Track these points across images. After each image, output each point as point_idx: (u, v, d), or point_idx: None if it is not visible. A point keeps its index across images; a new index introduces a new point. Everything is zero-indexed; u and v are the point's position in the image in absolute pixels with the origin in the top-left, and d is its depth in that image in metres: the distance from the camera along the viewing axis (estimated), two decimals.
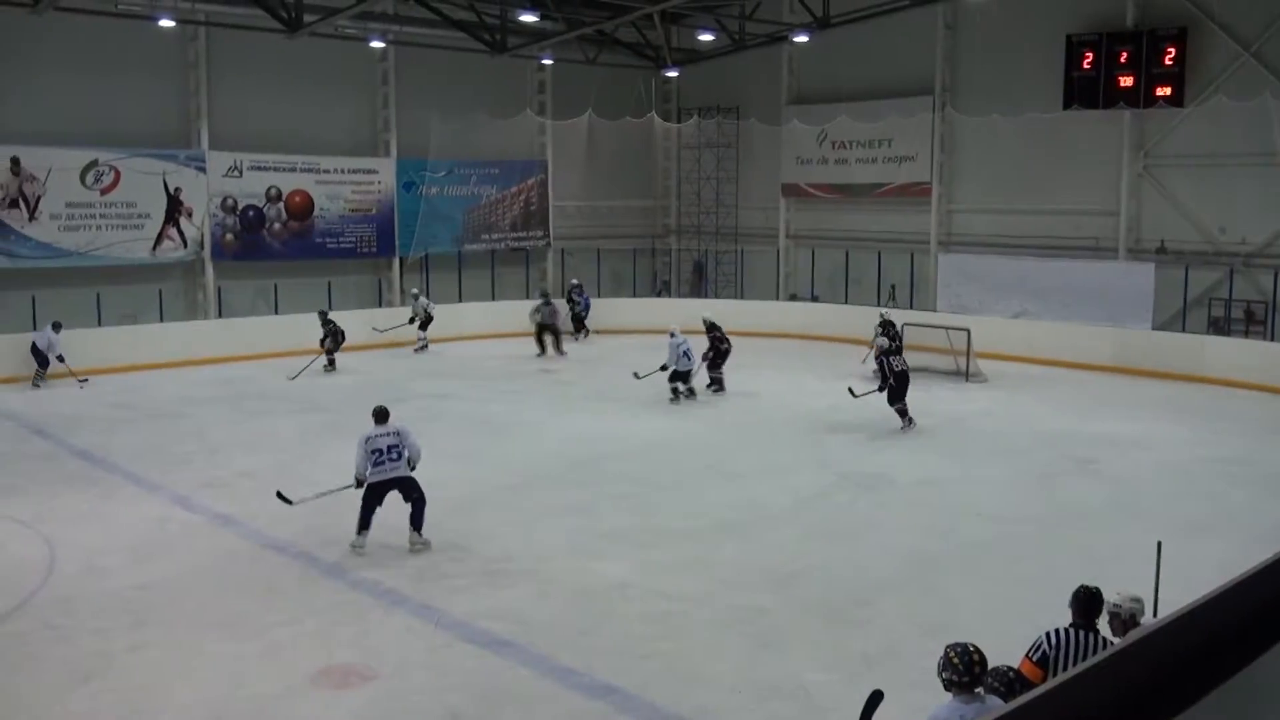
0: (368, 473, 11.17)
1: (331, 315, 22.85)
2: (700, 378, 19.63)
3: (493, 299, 28.42)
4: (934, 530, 12.16)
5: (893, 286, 27.35)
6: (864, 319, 22.17)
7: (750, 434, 17.08)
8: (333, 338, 22.50)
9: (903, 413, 16.85)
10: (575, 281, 27.63)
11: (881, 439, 16.64)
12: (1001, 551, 11.49)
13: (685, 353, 18.91)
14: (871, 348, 20.45)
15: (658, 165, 32.99)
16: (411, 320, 24.96)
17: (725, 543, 11.70)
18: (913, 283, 26.99)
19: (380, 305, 26.82)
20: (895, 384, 16.80)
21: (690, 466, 15.01)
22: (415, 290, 25.63)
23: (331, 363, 22.40)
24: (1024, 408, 19.15)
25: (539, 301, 25.23)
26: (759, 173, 30.50)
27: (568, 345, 25.06)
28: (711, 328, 20.21)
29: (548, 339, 24.62)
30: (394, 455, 11.18)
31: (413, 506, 11.26)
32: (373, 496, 11.21)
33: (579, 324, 26.78)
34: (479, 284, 28.53)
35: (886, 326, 21.15)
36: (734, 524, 12.32)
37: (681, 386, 19.10)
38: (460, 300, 27.94)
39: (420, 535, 11.27)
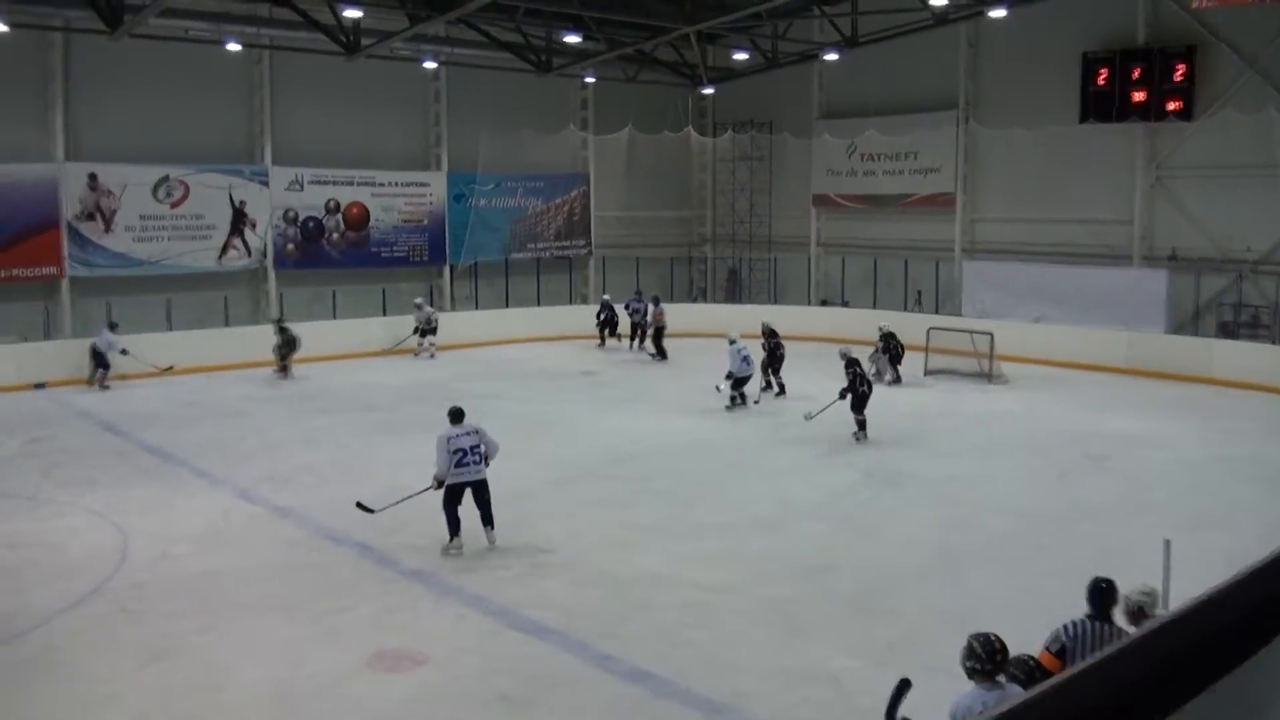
0: (449, 473, 10.88)
1: (286, 323, 22.19)
2: (755, 382, 19.17)
3: (538, 304, 28.52)
4: (957, 524, 12.10)
5: (919, 292, 27.21)
6: (893, 323, 22.06)
7: (782, 434, 17.03)
8: (289, 345, 21.73)
9: (862, 424, 16.17)
10: (636, 291, 26.96)
11: (907, 439, 16.57)
12: (1022, 545, 11.40)
13: (745, 358, 18.47)
14: (871, 360, 20.61)
15: (694, 177, 32.98)
16: (416, 330, 24.56)
17: (757, 536, 11.68)
18: (938, 288, 26.88)
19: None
20: (868, 391, 16.20)
21: (724, 464, 15.01)
22: (419, 299, 25.12)
23: (284, 369, 21.62)
24: (1044, 408, 19.02)
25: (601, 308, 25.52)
26: (791, 184, 30.49)
27: (631, 354, 24.87)
28: (771, 333, 20.05)
29: (617, 337, 25.16)
30: (476, 455, 10.85)
31: (482, 509, 11.00)
32: (453, 498, 10.90)
33: (639, 334, 25.26)
34: (525, 290, 28.65)
35: (887, 339, 21.10)
36: (765, 519, 12.31)
37: (740, 392, 18.59)
38: (507, 305, 28.11)
39: (493, 530, 11.10)
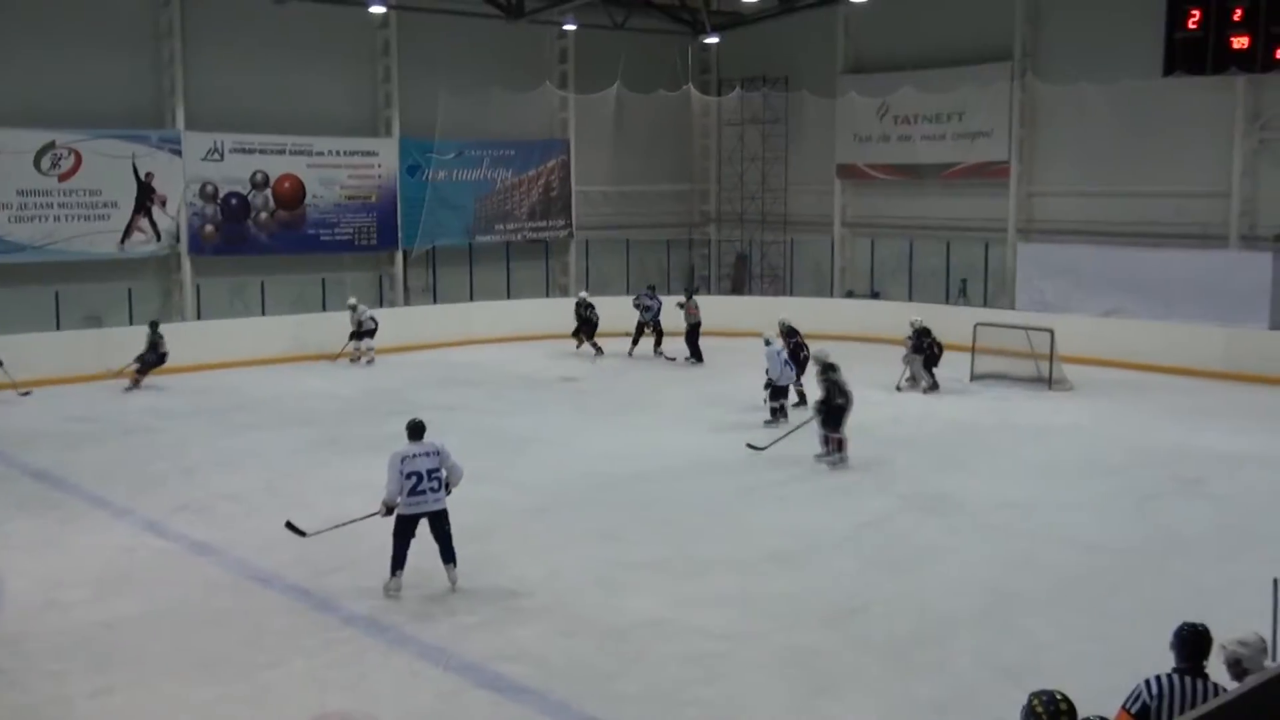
0: (401, 500, 10.88)
1: (163, 329, 22.10)
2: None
3: (507, 297, 28.52)
4: (1013, 560, 12.11)
5: (964, 281, 27.24)
6: (930, 318, 22.05)
7: (800, 451, 16.92)
8: (153, 351, 21.65)
9: (840, 443, 15.92)
10: (648, 285, 26.96)
11: (952, 457, 16.60)
12: (1092, 585, 11.42)
13: (787, 362, 18.45)
14: (905, 363, 21.07)
15: (695, 144, 33.02)
16: (354, 335, 24.27)
17: (774, 574, 11.70)
18: (987, 277, 26.96)
19: (381, 304, 26.89)
20: (844, 404, 16.02)
21: (733, 488, 15.02)
22: (352, 300, 24.72)
23: (136, 383, 21.58)
24: (1117, 419, 19.05)
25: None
26: (810, 152, 30.54)
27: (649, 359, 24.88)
28: (790, 333, 20.06)
29: (592, 343, 25.14)
30: (434, 483, 10.83)
31: (441, 543, 11.01)
32: (405, 530, 10.90)
33: (656, 336, 25.16)
34: (493, 280, 28.66)
35: (919, 336, 21.15)
36: (783, 553, 12.31)
37: (781, 404, 18.48)
38: (472, 299, 28.15)
39: (455, 568, 11.10)
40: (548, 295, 29.34)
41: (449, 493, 11.03)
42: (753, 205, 31.77)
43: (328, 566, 11.58)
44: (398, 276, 28.23)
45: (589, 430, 18.39)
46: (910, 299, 26.88)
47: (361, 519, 11.41)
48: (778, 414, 18.41)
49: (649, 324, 25.07)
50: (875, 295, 28.72)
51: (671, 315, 25.11)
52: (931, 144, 28.29)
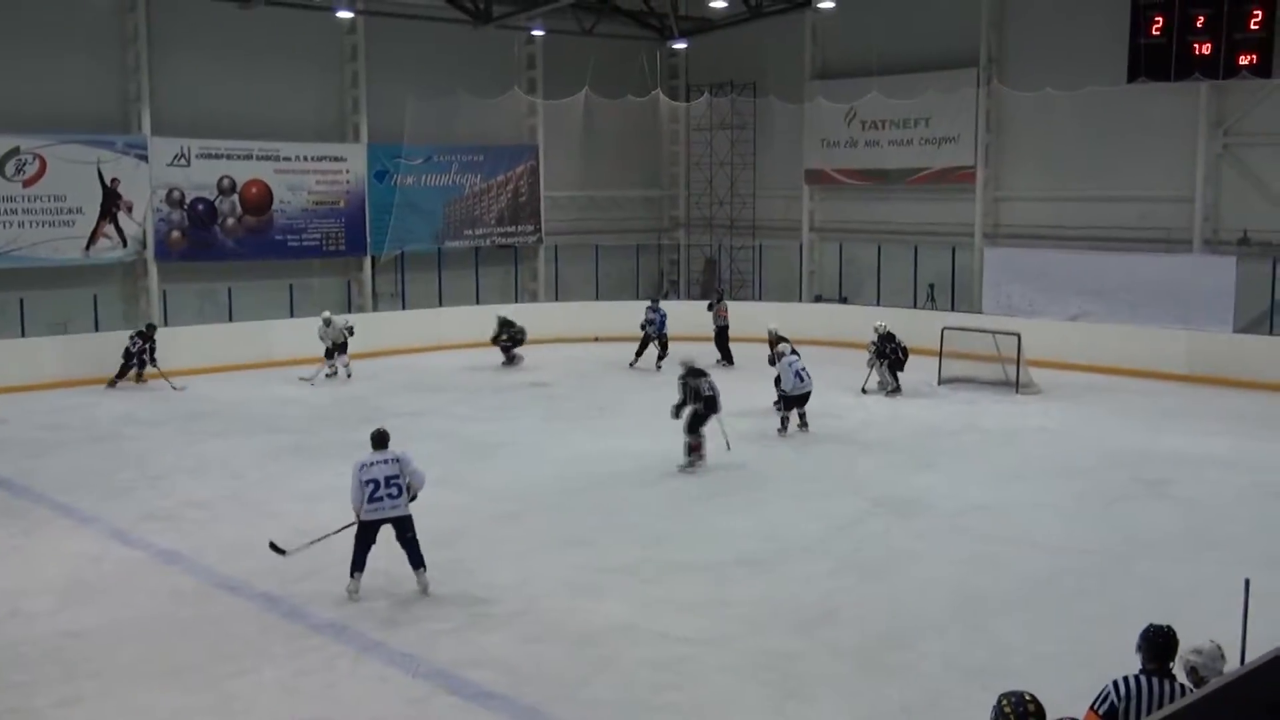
0: (362, 508, 11.00)
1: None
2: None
3: (476, 302, 28.45)
4: (982, 563, 12.17)
5: (931, 286, 27.36)
6: (898, 322, 22.18)
7: (772, 455, 17.13)
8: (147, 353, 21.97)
9: (696, 447, 16.06)
10: (651, 297, 26.58)
11: (922, 460, 16.69)
12: (1060, 587, 11.49)
13: (799, 372, 18.05)
14: (868, 362, 21.18)
15: (664, 150, 33.06)
16: (329, 353, 23.18)
17: (744, 578, 11.72)
18: (954, 281, 27.10)
19: (349, 310, 26.74)
20: (704, 409, 16.08)
21: (703, 493, 15.08)
22: (326, 314, 23.45)
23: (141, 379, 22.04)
24: (1084, 422, 19.19)
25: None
26: (779, 157, 30.67)
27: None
28: (778, 340, 19.97)
29: (510, 357, 24.78)
30: (393, 490, 10.95)
31: (407, 549, 11.10)
32: (366, 535, 11.02)
33: (660, 348, 24.36)
34: (462, 286, 28.61)
35: (884, 341, 21.27)
36: (754, 557, 12.34)
37: (801, 412, 18.25)
38: (440, 304, 28.07)
39: (425, 573, 11.17)
40: (516, 300, 29.25)
41: (413, 499, 11.11)
42: (722, 210, 31.83)
43: (296, 574, 11.51)
44: (366, 282, 28.11)
45: (559, 435, 18.38)
46: (879, 303, 26.94)
47: (338, 532, 11.36)
48: (787, 425, 18.22)
49: (654, 337, 24.44)
50: (844, 300, 28.83)
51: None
52: (899, 149, 28.36)
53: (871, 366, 21.32)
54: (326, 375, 22.99)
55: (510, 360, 24.75)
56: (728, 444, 16.41)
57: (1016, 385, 21.47)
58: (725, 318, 25.04)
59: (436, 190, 28.98)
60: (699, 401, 16.08)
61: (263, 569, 11.69)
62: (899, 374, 21.23)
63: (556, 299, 30.13)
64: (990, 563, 12.15)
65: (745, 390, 19.75)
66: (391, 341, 25.98)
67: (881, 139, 28.71)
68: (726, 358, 24.44)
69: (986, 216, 27.17)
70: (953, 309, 26.31)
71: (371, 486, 10.91)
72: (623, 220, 31.55)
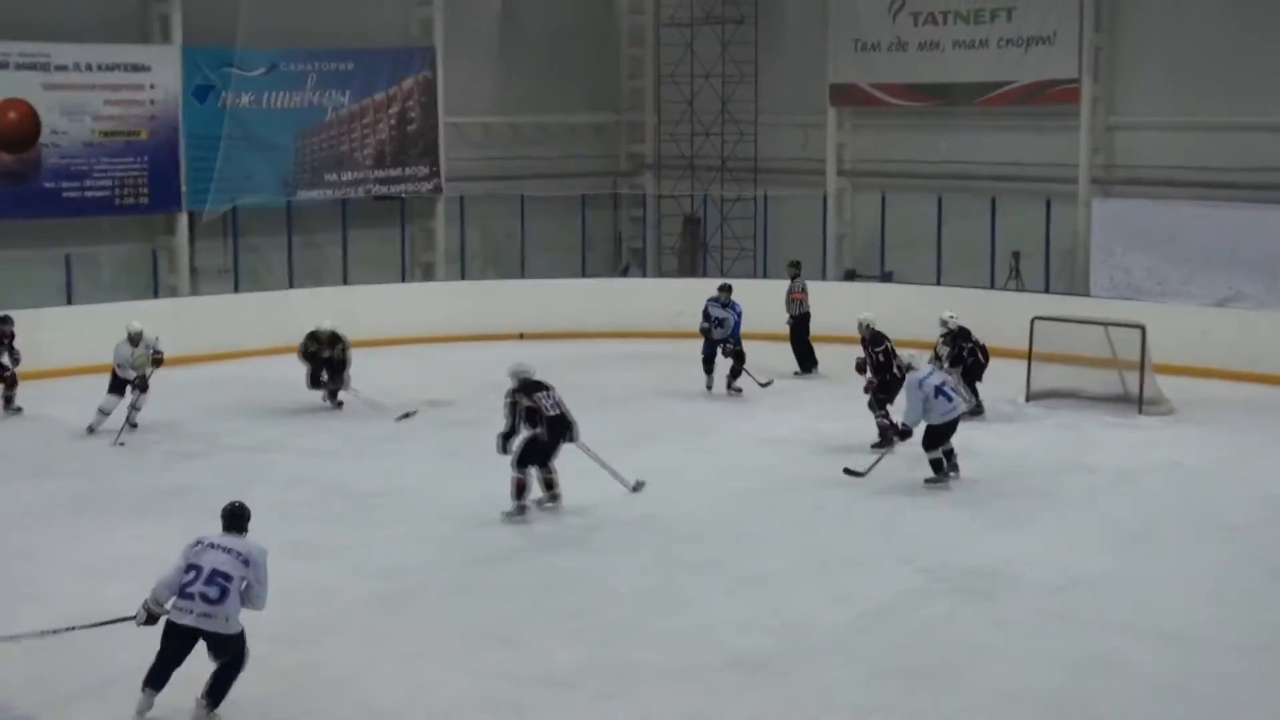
0: (169, 602, 10.58)
1: None
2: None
3: (344, 282, 28.37)
4: (1089, 665, 11.95)
5: (1015, 256, 27.48)
6: (967, 310, 22.07)
7: (781, 504, 17.10)
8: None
9: (521, 486, 16.45)
10: (722, 286, 25.20)
11: (1001, 514, 16.63)
12: (1201, 698, 11.30)
13: (940, 389, 17.79)
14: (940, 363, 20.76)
15: (622, 56, 33.19)
16: (134, 385, 21.14)
17: (738, 690, 11.51)
18: (1049, 249, 27.19)
19: (156, 293, 26.59)
20: (547, 437, 16.49)
21: (680, 560, 14.90)
22: (135, 325, 21.29)
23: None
24: (1237, 457, 19.22)
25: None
26: (792, 66, 31.07)
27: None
28: (876, 338, 20.06)
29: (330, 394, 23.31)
30: (217, 590, 10.47)
31: (217, 672, 10.66)
32: (176, 642, 10.58)
33: (734, 364, 23.73)
34: (322, 257, 28.62)
35: (954, 339, 21.17)
36: (753, 658, 12.14)
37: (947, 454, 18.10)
38: (291, 285, 27.98)
39: (212, 711, 10.76)
40: (405, 279, 29.21)
41: (237, 613, 10.64)
42: (708, 145, 31.95)
43: (70, 690, 11.48)
44: (180, 252, 27.90)
45: (464, 479, 17.96)
46: (938, 282, 27.06)
47: (109, 623, 11.11)
48: (943, 469, 17.97)
49: (724, 342, 23.49)
50: (887, 276, 28.83)
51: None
52: (968, 55, 28.66)
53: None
54: (132, 426, 21.29)
55: (335, 399, 22.73)
56: (630, 484, 16.91)
57: (1140, 402, 21.46)
58: (805, 303, 24.90)
59: (285, 115, 28.95)
60: (537, 426, 16.40)
61: (25, 680, 11.50)
62: (977, 385, 21.22)
63: (463, 276, 30.15)
64: (1101, 664, 11.93)
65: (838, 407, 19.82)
66: (219, 340, 25.66)
67: (943, 39, 28.94)
68: (805, 361, 24.43)
69: (1096, 154, 27.38)
70: (1047, 290, 26.45)
71: (191, 575, 10.52)
72: (561, 160, 31.59)
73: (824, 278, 29.26)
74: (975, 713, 11.18)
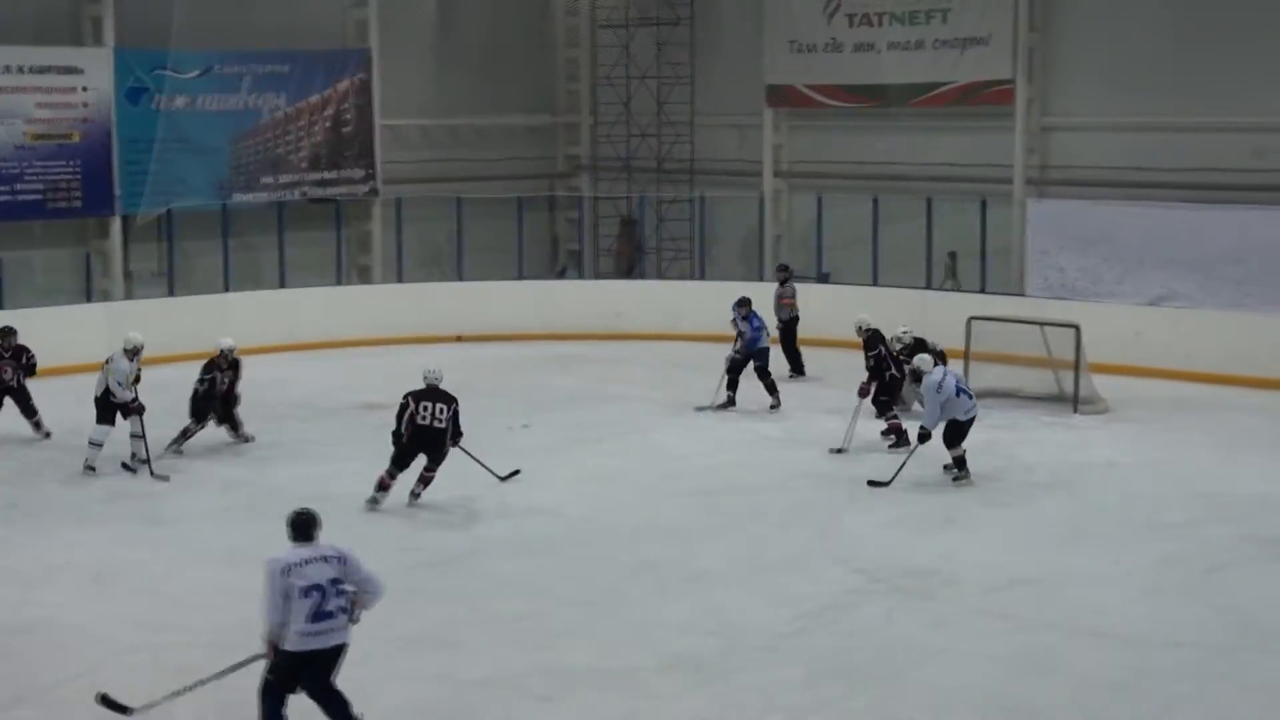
0: (290, 631, 9.97)
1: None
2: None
3: (280, 286, 28.31)
4: (1026, 663, 12.11)
5: (951, 256, 27.66)
6: (905, 312, 22.15)
7: (720, 506, 17.14)
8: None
9: (385, 485, 17.20)
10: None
11: (939, 513, 16.76)
12: (1139, 696, 11.45)
13: (960, 387, 17.85)
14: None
15: (558, 57, 33.13)
16: (131, 408, 19.90)
17: (678, 691, 11.61)
18: (985, 250, 27.18)
19: (89, 298, 26.40)
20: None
21: (619, 562, 15.01)
22: (137, 338, 20.68)
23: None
24: (1172, 456, 19.39)
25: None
26: (729, 68, 31.13)
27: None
28: (872, 340, 20.06)
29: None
30: (346, 599, 10.14)
31: (328, 702, 10.20)
32: (290, 677, 10.07)
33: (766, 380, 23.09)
34: (258, 261, 28.47)
35: (912, 352, 20.33)
36: (691, 659, 12.23)
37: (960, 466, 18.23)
38: (227, 289, 27.85)
39: None
40: (340, 282, 29.08)
41: (356, 620, 10.37)
42: (644, 147, 32.13)
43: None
44: (114, 256, 27.74)
45: (402, 483, 17.75)
46: (875, 282, 27.14)
47: (229, 671, 10.56)
48: (961, 468, 18.06)
49: (739, 355, 22.74)
50: (824, 277, 28.82)
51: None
52: (904, 56, 28.74)
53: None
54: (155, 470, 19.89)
55: (236, 431, 21.10)
56: (501, 475, 17.70)
57: (1075, 401, 21.64)
58: (795, 307, 24.74)
59: (220, 118, 28.83)
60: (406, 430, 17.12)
61: None
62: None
63: (400, 279, 30.06)
64: (1038, 662, 12.09)
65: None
66: (153, 344, 25.05)
67: (878, 39, 29.02)
68: (795, 366, 24.27)
69: (1031, 154, 27.56)
70: (983, 290, 26.62)
71: (316, 597, 10.03)
72: (497, 163, 31.52)
73: (760, 279, 29.12)
74: (915, 712, 11.31)
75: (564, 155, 33.58)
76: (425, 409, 17.03)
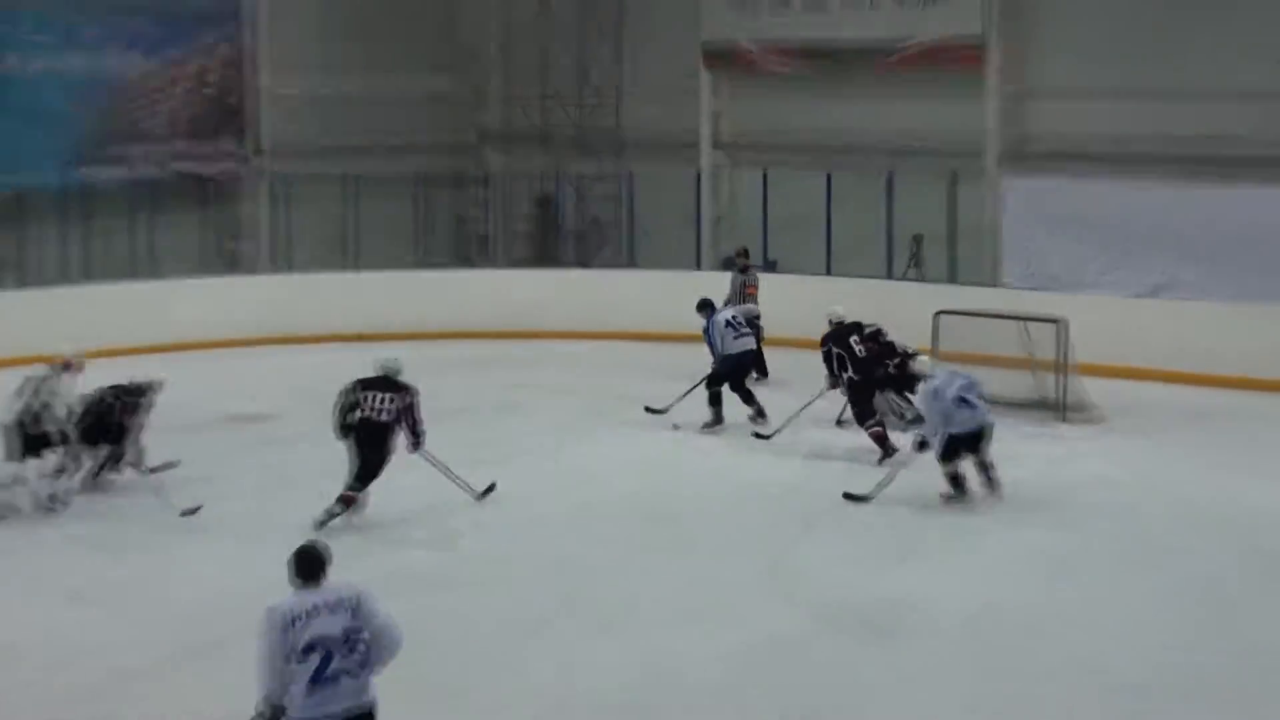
0: (298, 697, 9.32)
1: None
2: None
3: (144, 277, 28.06)
4: (1006, 709, 12.04)
5: (916, 240, 27.64)
6: (862, 304, 21.83)
7: (650, 535, 16.86)
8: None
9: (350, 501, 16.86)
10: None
11: (903, 542, 16.41)
12: None
13: (963, 398, 17.61)
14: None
15: (464, 14, 33.58)
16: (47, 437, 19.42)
17: None
18: (954, 232, 27.45)
19: None
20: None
21: (534, 602, 14.65)
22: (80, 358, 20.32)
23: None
24: (1172, 470, 19.10)
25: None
26: (660, 27, 31.53)
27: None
28: (828, 336, 19.99)
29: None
30: (357, 656, 9.44)
31: None
32: None
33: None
34: (114, 247, 28.67)
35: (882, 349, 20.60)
36: (625, 705, 12.18)
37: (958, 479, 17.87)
38: (79, 280, 27.84)
39: None
40: (218, 273, 28.81)
41: (368, 686, 9.64)
42: (564, 116, 32.16)
43: None
44: None
45: (285, 505, 17.55)
46: (829, 271, 27.21)
47: None
48: (960, 486, 17.91)
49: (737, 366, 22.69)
50: (770, 265, 28.56)
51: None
52: (860, 13, 28.95)
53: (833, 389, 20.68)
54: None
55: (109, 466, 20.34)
56: (476, 493, 17.58)
57: (1062, 408, 21.39)
58: (756, 299, 24.30)
59: (68, 81, 29.07)
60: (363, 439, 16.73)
61: None
62: (909, 396, 20.69)
63: (291, 269, 30.28)
64: (1021, 709, 12.01)
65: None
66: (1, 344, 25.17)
67: None
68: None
69: (1006, 125, 27.63)
70: (954, 280, 26.40)
71: (320, 655, 9.45)
72: (396, 134, 31.60)
73: (698, 267, 29.40)
74: None
75: (470, 125, 33.84)
76: (367, 399, 16.66)
